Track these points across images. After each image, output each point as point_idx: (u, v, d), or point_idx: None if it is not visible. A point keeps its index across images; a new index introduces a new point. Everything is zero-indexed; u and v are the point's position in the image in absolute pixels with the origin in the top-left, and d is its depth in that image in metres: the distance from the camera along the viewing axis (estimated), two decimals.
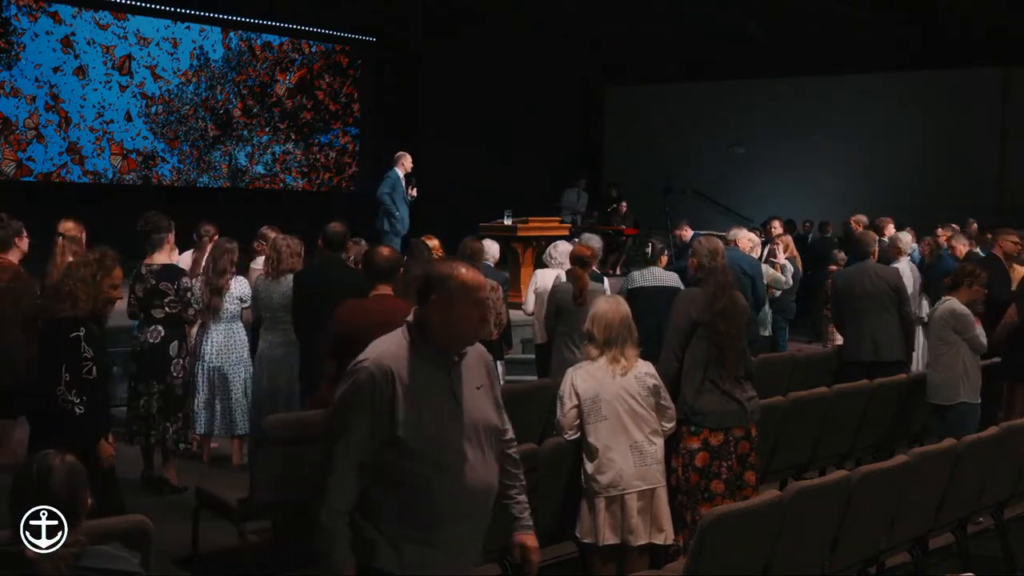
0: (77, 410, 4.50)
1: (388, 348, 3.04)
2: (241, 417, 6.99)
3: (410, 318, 3.08)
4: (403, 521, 2.96)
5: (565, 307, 6.71)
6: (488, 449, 3.10)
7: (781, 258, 9.45)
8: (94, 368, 4.56)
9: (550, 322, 6.90)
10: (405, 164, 11.17)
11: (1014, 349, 6.94)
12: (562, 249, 7.75)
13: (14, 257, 6.47)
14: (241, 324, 7.10)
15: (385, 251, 5.13)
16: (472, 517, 3.06)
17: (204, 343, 6.99)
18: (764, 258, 9.24)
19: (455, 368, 3.06)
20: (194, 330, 7.01)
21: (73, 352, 4.53)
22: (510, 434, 3.34)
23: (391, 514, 2.97)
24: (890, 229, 10.52)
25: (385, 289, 4.97)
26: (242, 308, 7.02)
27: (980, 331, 6.27)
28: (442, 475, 2.96)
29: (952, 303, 6.28)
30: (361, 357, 3.03)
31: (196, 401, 6.96)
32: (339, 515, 2.95)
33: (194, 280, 6.80)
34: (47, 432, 4.54)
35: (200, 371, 6.97)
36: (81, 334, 4.54)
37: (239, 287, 6.99)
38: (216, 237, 7.52)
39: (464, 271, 3.07)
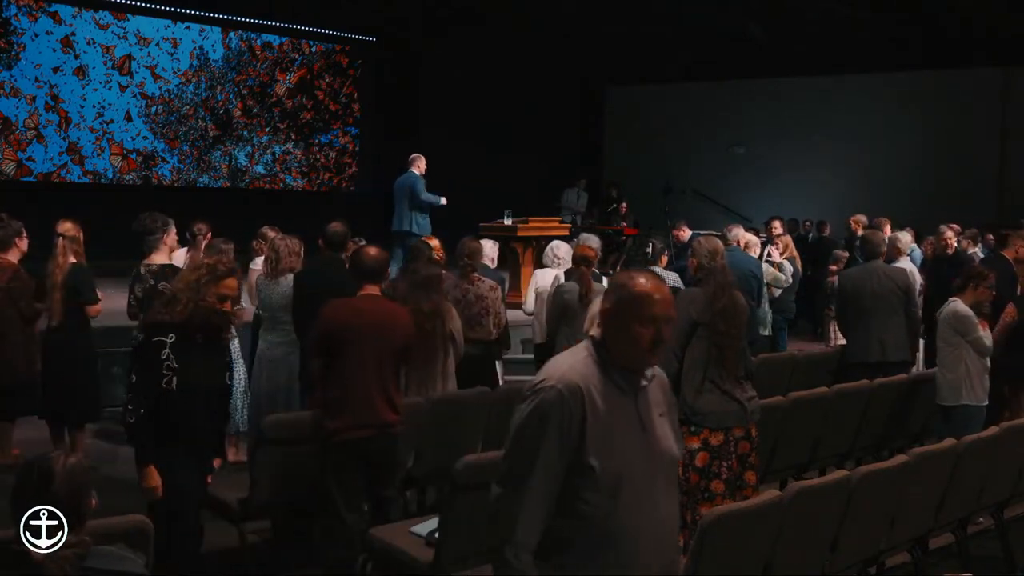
0: (129, 418, 4.12)
1: (573, 365, 2.69)
2: (237, 416, 6.98)
3: (594, 332, 2.79)
4: (586, 558, 2.63)
5: (572, 307, 6.69)
6: (672, 481, 2.82)
7: (776, 256, 9.45)
8: (174, 380, 4.08)
9: (554, 322, 6.89)
10: (420, 166, 11.15)
11: (1013, 350, 6.92)
12: (563, 250, 7.75)
13: (14, 257, 6.50)
14: None
15: (373, 251, 5.06)
16: (661, 554, 2.74)
17: None
18: (762, 258, 9.25)
19: (642, 391, 2.74)
20: None
21: (151, 357, 4.10)
22: None
23: (573, 550, 2.63)
24: (887, 229, 10.51)
25: (373, 289, 4.94)
26: None
27: (985, 333, 6.25)
28: (631, 509, 2.63)
29: (956, 304, 6.26)
30: (543, 375, 2.68)
31: None
32: (527, 550, 2.60)
33: None
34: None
35: None
36: (167, 340, 4.08)
37: None
38: (209, 235, 7.50)
39: (642, 281, 2.70)
